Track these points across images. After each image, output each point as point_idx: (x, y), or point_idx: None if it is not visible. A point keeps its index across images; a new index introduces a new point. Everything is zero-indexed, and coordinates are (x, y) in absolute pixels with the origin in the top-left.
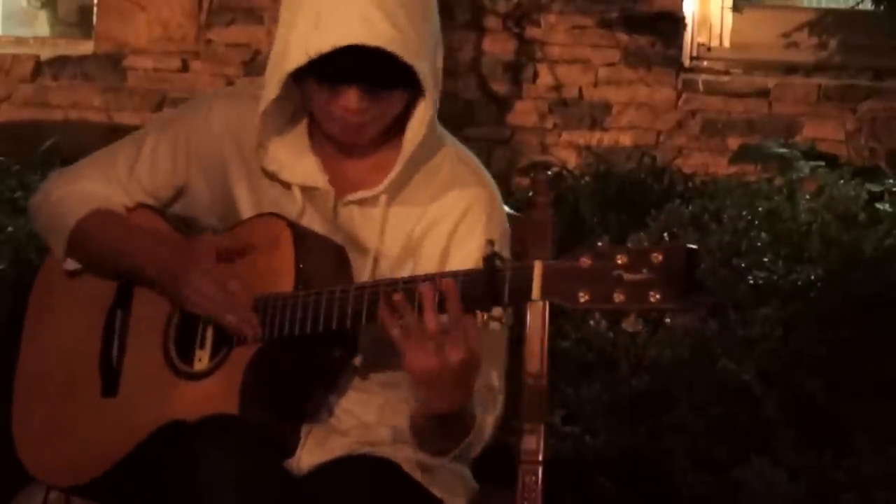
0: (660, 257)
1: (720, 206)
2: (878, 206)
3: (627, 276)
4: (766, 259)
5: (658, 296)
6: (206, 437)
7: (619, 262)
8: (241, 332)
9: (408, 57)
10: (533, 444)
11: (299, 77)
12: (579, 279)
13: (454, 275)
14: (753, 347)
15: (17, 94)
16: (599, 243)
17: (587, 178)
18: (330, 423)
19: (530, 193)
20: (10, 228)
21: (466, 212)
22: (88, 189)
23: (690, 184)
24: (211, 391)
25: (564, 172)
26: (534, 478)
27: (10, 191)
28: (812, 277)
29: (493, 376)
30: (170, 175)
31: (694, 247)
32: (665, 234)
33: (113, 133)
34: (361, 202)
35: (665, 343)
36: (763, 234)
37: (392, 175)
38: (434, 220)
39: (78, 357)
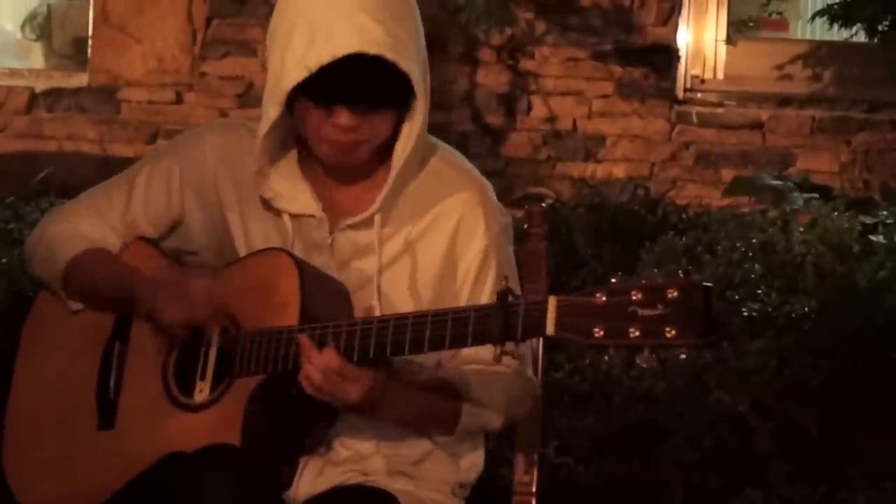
0: (675, 293)
1: (714, 237)
2: (872, 237)
3: (643, 312)
4: (759, 291)
5: (674, 332)
6: (204, 466)
7: (634, 297)
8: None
9: (403, 63)
10: (526, 475)
11: (291, 102)
12: (594, 314)
13: (467, 310)
14: (747, 379)
15: (11, 125)
16: (613, 280)
17: (581, 210)
18: (326, 454)
19: (524, 225)
20: (3, 260)
21: (463, 215)
22: (81, 228)
23: (684, 216)
24: (211, 423)
25: (558, 204)
26: None
27: (3, 222)
28: (806, 309)
29: (495, 420)
30: (165, 207)
31: (709, 284)
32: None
33: (107, 165)
34: (356, 226)
35: (659, 374)
36: (757, 266)
37: (384, 192)
38: (431, 221)
39: (74, 389)
